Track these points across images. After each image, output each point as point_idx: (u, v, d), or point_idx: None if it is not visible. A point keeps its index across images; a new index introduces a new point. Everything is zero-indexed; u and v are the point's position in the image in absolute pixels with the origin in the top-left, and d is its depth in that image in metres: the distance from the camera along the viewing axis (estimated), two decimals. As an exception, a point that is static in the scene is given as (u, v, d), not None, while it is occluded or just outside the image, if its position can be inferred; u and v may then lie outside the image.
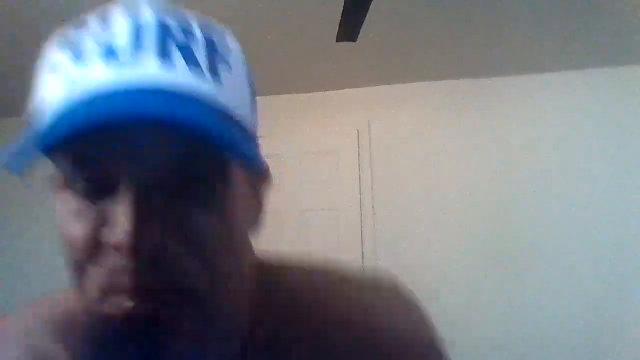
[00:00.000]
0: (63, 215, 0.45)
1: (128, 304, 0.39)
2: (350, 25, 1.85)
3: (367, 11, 1.91)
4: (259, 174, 0.53)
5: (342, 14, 1.84)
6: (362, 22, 1.99)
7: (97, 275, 0.41)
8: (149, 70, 0.41)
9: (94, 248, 0.41)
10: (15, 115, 3.33)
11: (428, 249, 2.53)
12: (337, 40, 1.92)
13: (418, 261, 2.50)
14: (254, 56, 2.39)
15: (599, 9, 2.16)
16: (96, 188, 0.41)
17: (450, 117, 2.63)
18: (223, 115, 0.42)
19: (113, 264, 0.39)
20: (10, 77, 2.91)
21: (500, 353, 2.28)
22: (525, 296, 2.39)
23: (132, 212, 0.38)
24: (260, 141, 0.49)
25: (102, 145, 0.39)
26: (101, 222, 0.41)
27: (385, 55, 2.57)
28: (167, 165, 0.40)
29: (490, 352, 2.30)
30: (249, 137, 0.46)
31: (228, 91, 0.44)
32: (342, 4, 1.82)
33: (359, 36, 2.05)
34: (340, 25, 1.86)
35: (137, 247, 0.38)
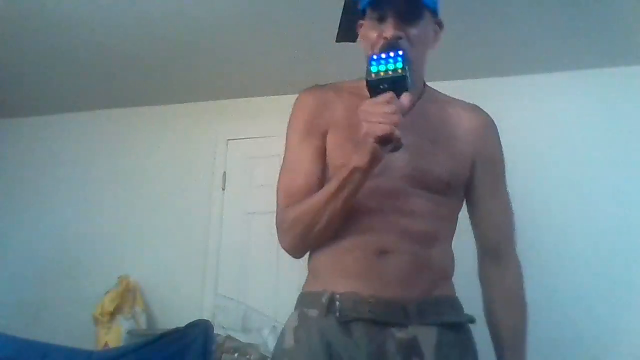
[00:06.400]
0: (367, 32, 1.18)
1: (388, 35, 1.11)
2: (350, 25, 1.85)
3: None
4: (439, 23, 1.23)
5: (342, 14, 1.84)
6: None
7: (378, 41, 1.12)
8: None
9: (378, 38, 1.13)
10: (15, 116, 3.33)
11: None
12: (337, 41, 1.92)
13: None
14: (254, 57, 2.39)
15: (600, 9, 2.16)
16: (380, 19, 1.14)
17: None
18: None
19: (382, 42, 1.10)
20: (10, 77, 2.91)
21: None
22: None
23: (392, 26, 1.12)
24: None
25: (383, 1, 1.13)
26: (380, 31, 1.14)
27: (385, 56, 2.57)
28: (406, 9, 1.12)
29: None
30: (436, 1, 1.20)
31: None
32: (342, 4, 1.82)
33: (359, 36, 2.04)
34: (340, 26, 1.86)
35: (392, 37, 1.11)
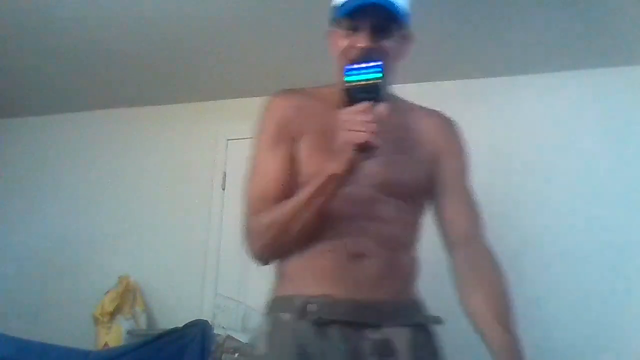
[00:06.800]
0: (338, 41, 1.19)
1: (362, 45, 1.14)
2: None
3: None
4: (409, 36, 1.24)
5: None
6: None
7: (352, 51, 1.14)
8: None
9: (351, 47, 1.15)
10: (15, 115, 3.33)
11: (427, 247, 2.52)
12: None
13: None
14: (254, 57, 2.38)
15: (600, 9, 2.16)
16: (354, 28, 1.15)
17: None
18: (403, 4, 1.16)
19: (357, 50, 1.14)
20: (10, 77, 2.91)
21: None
22: (525, 295, 2.38)
23: (367, 37, 1.14)
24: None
25: (361, 11, 1.13)
26: (354, 41, 1.15)
27: (385, 56, 2.57)
28: (381, 22, 1.14)
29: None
30: (408, 15, 1.19)
31: None
32: (342, 4, 1.81)
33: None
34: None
35: (364, 46, 1.13)
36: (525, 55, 2.51)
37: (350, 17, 1.15)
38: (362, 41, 1.14)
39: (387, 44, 1.16)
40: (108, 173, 3.11)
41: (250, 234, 1.20)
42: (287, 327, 1.12)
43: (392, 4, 1.14)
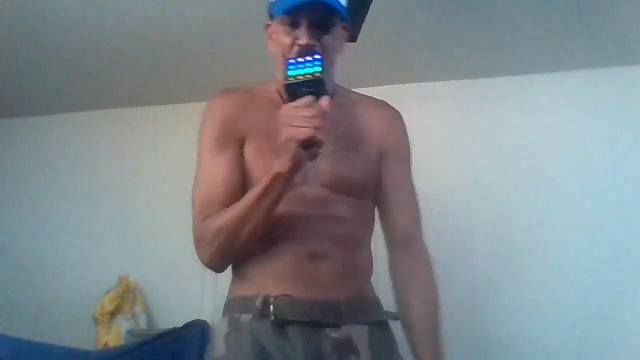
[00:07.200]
0: (278, 36, 1.18)
1: (303, 42, 1.12)
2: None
3: (367, 12, 1.91)
4: (346, 28, 1.24)
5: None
6: (362, 23, 1.99)
7: (292, 48, 1.13)
8: None
9: (292, 44, 1.14)
10: (15, 115, 3.33)
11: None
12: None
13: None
14: (254, 57, 2.38)
15: (600, 9, 2.16)
16: (293, 24, 1.15)
17: (450, 118, 2.61)
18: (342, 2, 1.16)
19: (297, 47, 1.13)
20: (10, 77, 2.91)
21: (498, 355, 2.27)
22: (524, 297, 2.38)
23: (306, 34, 1.13)
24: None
25: (299, 8, 1.11)
26: (294, 38, 1.14)
27: (385, 56, 2.57)
28: (321, 18, 1.14)
29: (486, 354, 2.29)
30: (347, 11, 1.18)
31: None
32: (342, 4, 1.81)
33: (359, 36, 2.05)
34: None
35: (304, 43, 1.11)
36: (525, 56, 2.51)
37: (289, 14, 1.14)
38: (302, 38, 1.13)
39: (326, 39, 1.15)
40: (108, 173, 3.11)
41: (200, 240, 1.16)
42: (246, 328, 1.11)
43: None
